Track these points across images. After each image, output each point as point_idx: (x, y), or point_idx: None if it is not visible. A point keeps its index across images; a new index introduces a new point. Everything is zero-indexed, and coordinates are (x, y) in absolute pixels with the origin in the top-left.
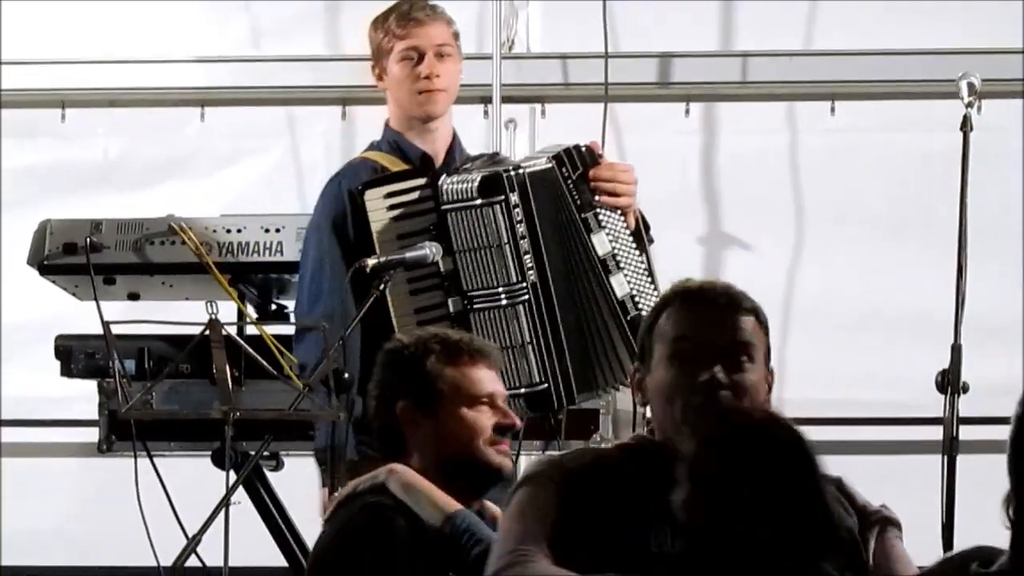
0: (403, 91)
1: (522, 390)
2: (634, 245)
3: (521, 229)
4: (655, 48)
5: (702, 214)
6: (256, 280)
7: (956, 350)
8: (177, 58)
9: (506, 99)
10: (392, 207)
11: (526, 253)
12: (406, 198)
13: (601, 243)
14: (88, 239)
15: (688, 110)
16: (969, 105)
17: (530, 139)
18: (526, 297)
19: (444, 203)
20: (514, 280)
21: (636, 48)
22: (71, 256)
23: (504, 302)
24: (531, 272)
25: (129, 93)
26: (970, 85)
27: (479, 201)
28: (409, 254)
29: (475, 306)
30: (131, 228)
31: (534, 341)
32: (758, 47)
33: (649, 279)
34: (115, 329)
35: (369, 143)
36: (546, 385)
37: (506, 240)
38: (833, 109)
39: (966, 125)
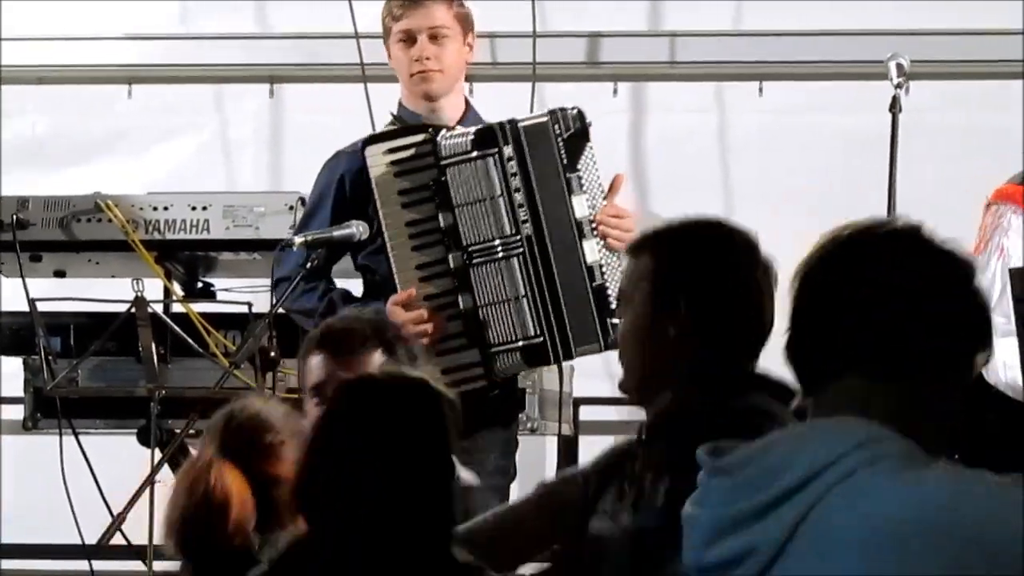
0: (401, 73)
1: (519, 343)
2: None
3: (515, 182)
4: (583, 27)
5: (630, 194)
6: (183, 258)
7: None
8: (105, 35)
9: None
10: (393, 163)
11: (520, 206)
12: (406, 154)
13: (580, 206)
14: (15, 216)
15: (616, 90)
16: (898, 86)
17: None
18: (520, 250)
19: (443, 158)
20: (509, 232)
21: (564, 27)
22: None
23: (500, 254)
24: (526, 225)
25: (57, 70)
26: (899, 66)
27: (474, 153)
28: (336, 232)
29: (474, 260)
30: (58, 205)
31: (529, 294)
32: (686, 27)
33: (614, 255)
34: (41, 306)
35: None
36: (542, 338)
37: (499, 192)
38: (761, 90)
39: (895, 106)
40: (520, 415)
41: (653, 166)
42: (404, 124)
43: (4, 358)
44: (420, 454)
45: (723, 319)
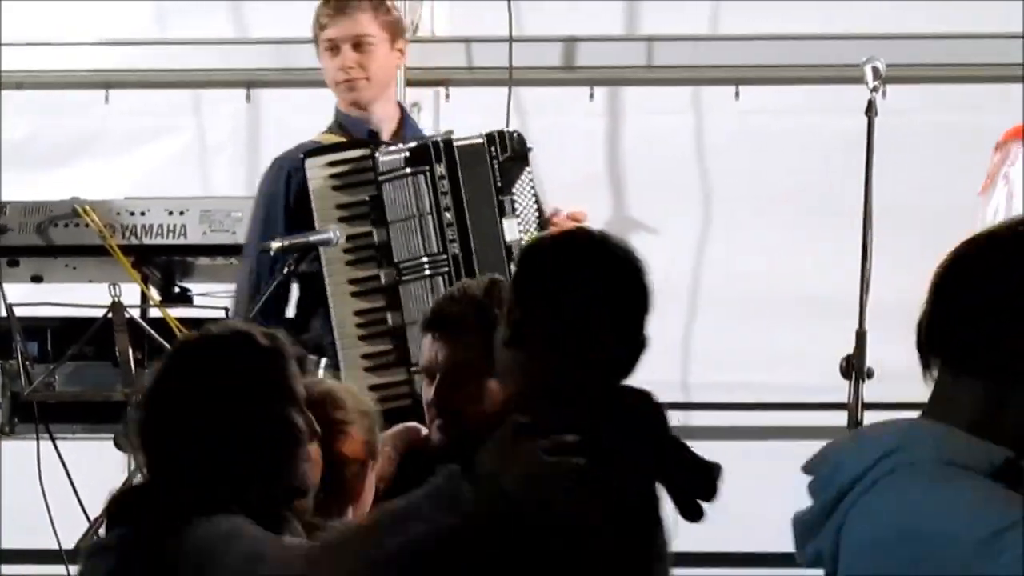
0: (329, 81)
1: None
2: None
3: (445, 201)
4: (560, 32)
5: (607, 198)
6: (160, 263)
7: (860, 336)
8: (82, 40)
9: (410, 83)
10: (332, 176)
11: (449, 225)
12: (345, 168)
13: (511, 229)
14: None
15: (593, 94)
16: (874, 90)
17: (434, 123)
18: (446, 269)
19: (380, 173)
20: (436, 250)
21: (541, 32)
22: None
23: (427, 272)
24: (454, 244)
25: (35, 75)
26: (875, 70)
27: (408, 170)
28: (313, 237)
29: (404, 278)
30: (35, 210)
31: None
32: (663, 31)
33: None
34: (18, 311)
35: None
36: None
37: (429, 210)
38: (738, 94)
39: (871, 109)
40: None
41: (630, 170)
42: (344, 130)
43: None
44: (246, 403)
45: (588, 335)
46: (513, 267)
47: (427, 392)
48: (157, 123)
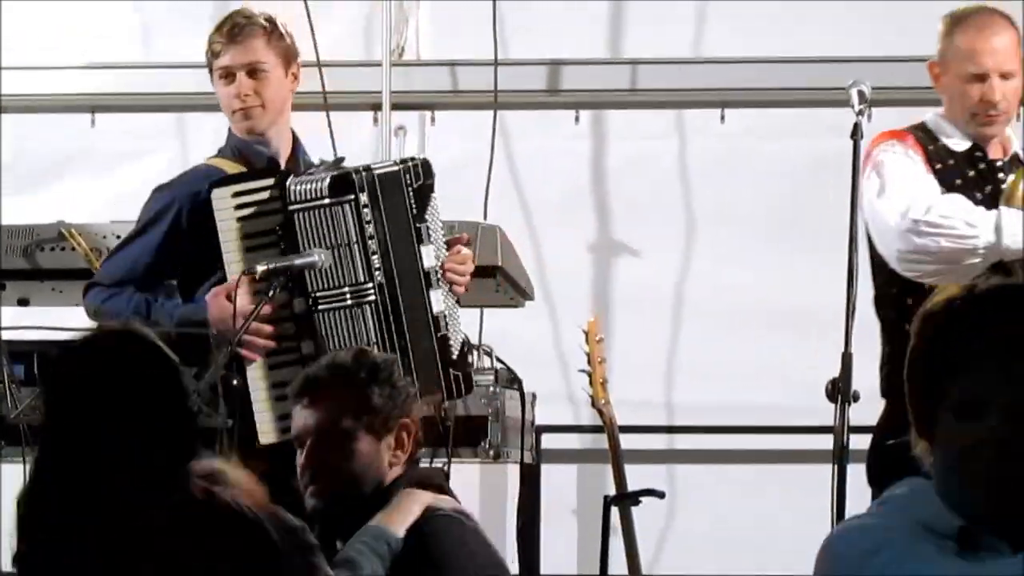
0: (224, 108)
1: None
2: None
3: (370, 229)
4: (544, 55)
5: (592, 219)
6: None
7: (846, 358)
8: (69, 64)
9: (396, 106)
10: (239, 207)
11: (374, 253)
12: (253, 198)
13: (428, 255)
14: None
15: (578, 117)
16: (860, 113)
17: (419, 146)
18: (372, 298)
19: (292, 203)
20: (361, 280)
21: (526, 55)
22: None
23: (349, 302)
24: (378, 273)
25: (22, 99)
26: (860, 93)
27: (328, 200)
28: (298, 260)
29: (320, 307)
30: (21, 234)
31: (379, 342)
32: (647, 54)
33: (456, 305)
34: (5, 334)
35: (217, 150)
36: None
37: (355, 239)
38: (723, 117)
39: (856, 133)
40: (483, 442)
41: (615, 192)
42: (242, 156)
43: None
44: (137, 403)
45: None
46: (431, 294)
47: (299, 458)
48: (141, 145)
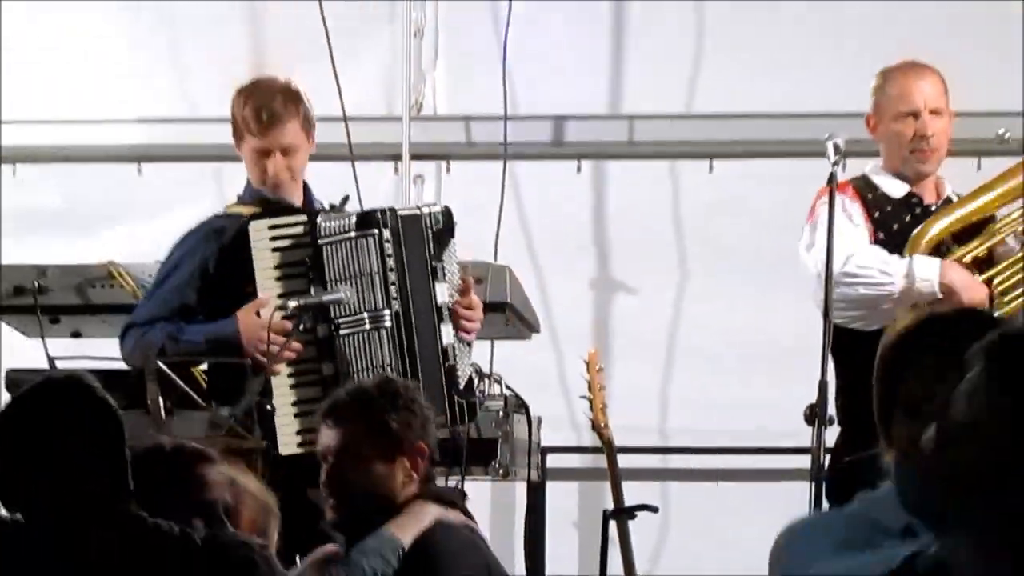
0: (254, 177)
1: None
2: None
3: (390, 263)
4: (550, 111)
5: (593, 261)
6: None
7: (822, 386)
8: (118, 119)
9: (415, 156)
10: (274, 238)
11: (392, 284)
12: (287, 231)
13: (441, 292)
14: (35, 283)
15: (580, 167)
16: (835, 164)
17: (436, 193)
18: (389, 324)
19: (321, 237)
20: (379, 307)
21: (533, 110)
22: (20, 298)
23: (368, 327)
24: (395, 302)
25: (76, 150)
26: (836, 146)
27: (354, 234)
28: (326, 297)
29: (341, 331)
30: (74, 273)
31: (393, 364)
32: (643, 110)
33: (463, 343)
34: (59, 364)
35: (237, 197)
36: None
37: (376, 269)
38: (711, 167)
39: (832, 181)
40: (493, 462)
41: (614, 236)
42: (265, 204)
43: None
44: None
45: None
46: (443, 327)
47: (322, 475)
48: (183, 192)
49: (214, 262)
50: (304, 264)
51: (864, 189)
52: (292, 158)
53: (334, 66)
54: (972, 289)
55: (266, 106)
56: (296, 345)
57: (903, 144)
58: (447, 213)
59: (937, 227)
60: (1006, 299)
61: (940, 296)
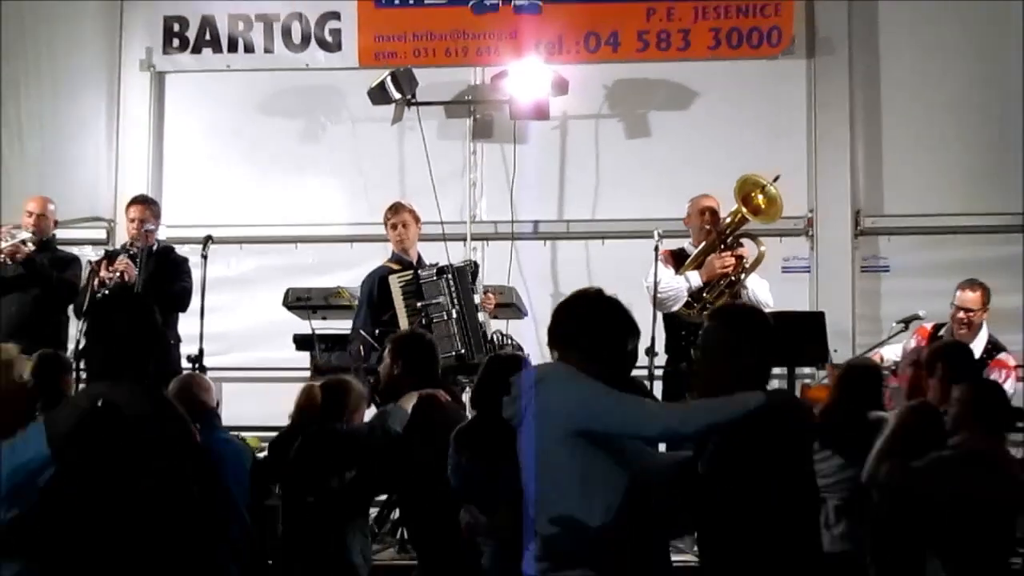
0: (392, 240)
1: (452, 353)
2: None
3: (453, 291)
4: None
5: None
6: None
7: (652, 343)
8: (337, 221)
9: (473, 237)
10: (399, 281)
11: (454, 295)
12: (404, 278)
13: (476, 298)
14: (308, 295)
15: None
16: (658, 241)
17: (481, 255)
18: (456, 316)
19: (421, 280)
20: (450, 307)
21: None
22: (299, 302)
23: (445, 317)
24: (456, 303)
25: (320, 236)
26: (659, 233)
27: (435, 277)
28: (422, 304)
29: (432, 319)
30: (324, 292)
31: (458, 334)
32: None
33: (488, 321)
34: (319, 331)
35: (388, 258)
36: (464, 350)
37: (444, 292)
38: (604, 243)
39: (657, 250)
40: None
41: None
42: (400, 260)
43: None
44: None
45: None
46: (478, 314)
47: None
48: (369, 253)
49: (376, 293)
50: (415, 292)
51: (677, 254)
52: (407, 229)
53: (437, 199)
54: (712, 266)
55: (400, 216)
56: None
57: (702, 225)
58: (475, 264)
59: (689, 260)
60: (722, 283)
61: (704, 283)
